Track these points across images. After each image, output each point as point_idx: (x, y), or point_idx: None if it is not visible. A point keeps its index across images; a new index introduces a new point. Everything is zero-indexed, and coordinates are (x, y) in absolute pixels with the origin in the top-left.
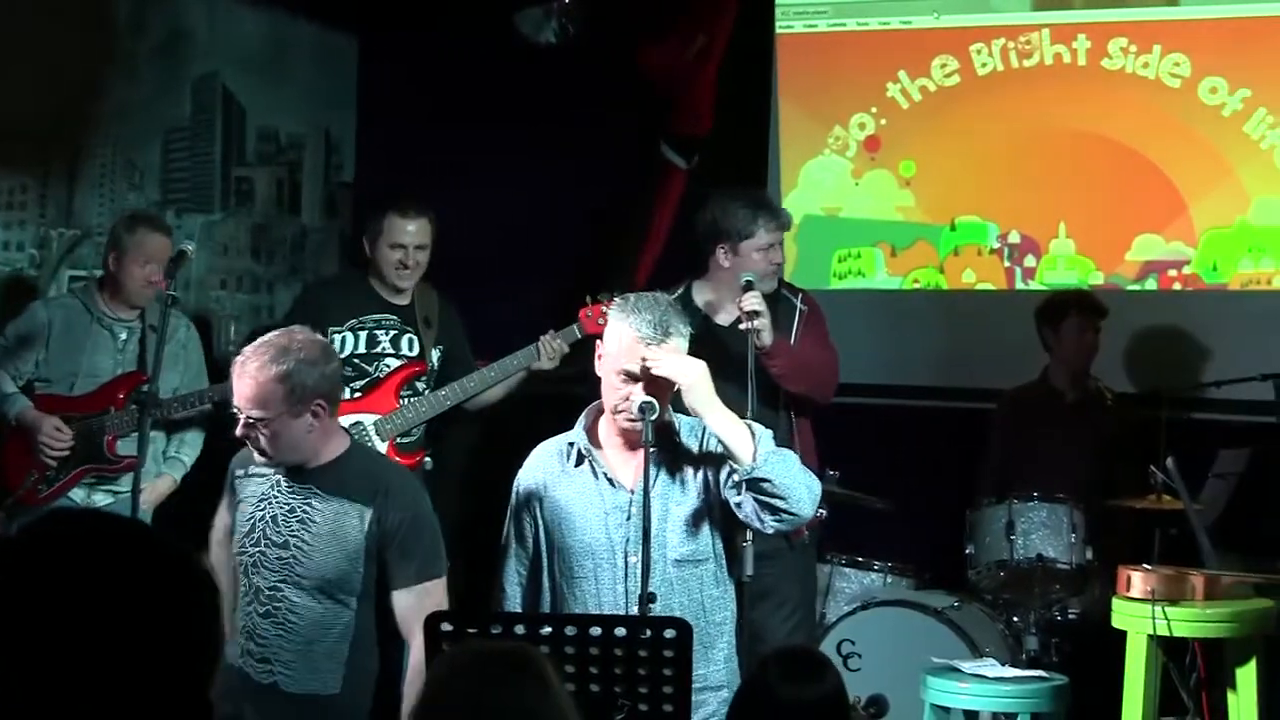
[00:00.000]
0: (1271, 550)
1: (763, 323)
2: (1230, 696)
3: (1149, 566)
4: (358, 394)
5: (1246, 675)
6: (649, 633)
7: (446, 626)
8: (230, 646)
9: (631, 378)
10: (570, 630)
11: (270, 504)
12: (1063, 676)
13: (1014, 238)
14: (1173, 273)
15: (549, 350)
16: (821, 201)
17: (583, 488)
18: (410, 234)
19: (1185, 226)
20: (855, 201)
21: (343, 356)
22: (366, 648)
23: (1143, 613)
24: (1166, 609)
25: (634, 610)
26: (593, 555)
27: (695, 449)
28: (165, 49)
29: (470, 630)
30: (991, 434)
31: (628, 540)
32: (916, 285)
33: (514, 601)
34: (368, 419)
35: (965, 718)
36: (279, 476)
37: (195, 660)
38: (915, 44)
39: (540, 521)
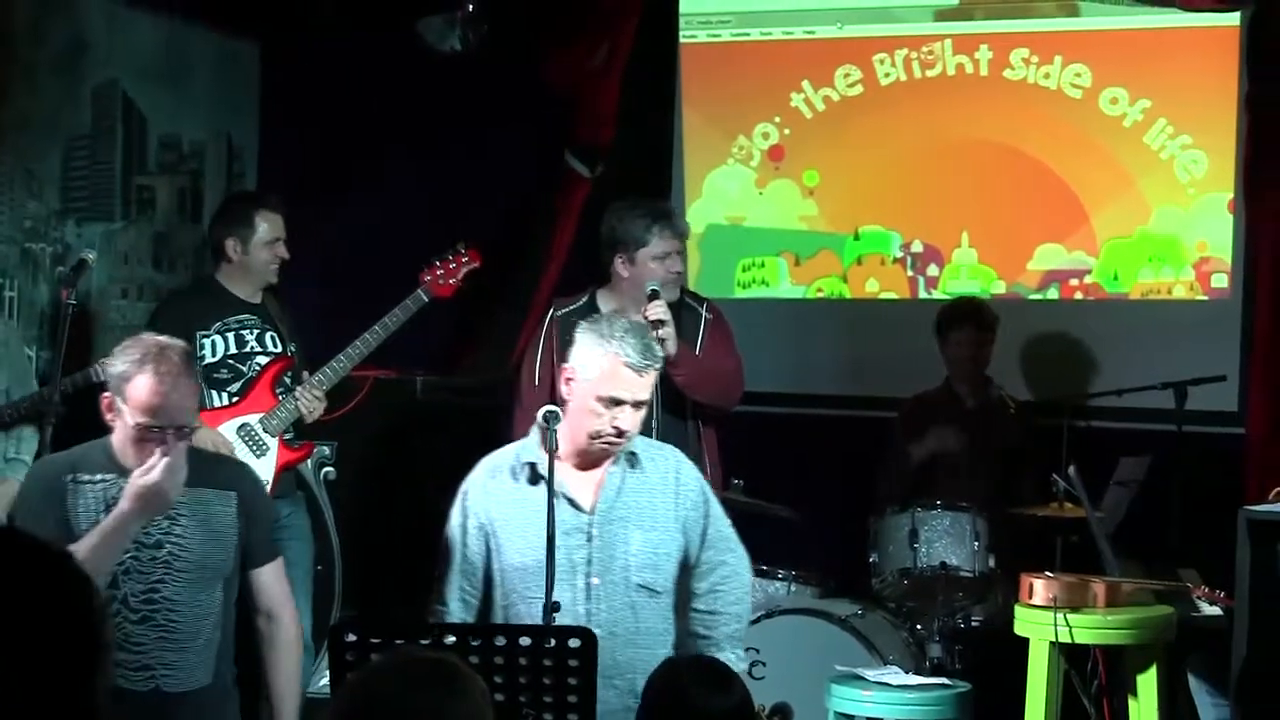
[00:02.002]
0: (1172, 557)
1: (667, 332)
2: (1131, 703)
3: (1051, 574)
4: (235, 398)
5: (1147, 682)
6: (553, 643)
7: (351, 637)
8: None
9: (616, 404)
10: (475, 640)
11: None
12: (966, 684)
13: (917, 247)
14: (1074, 282)
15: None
16: (725, 211)
17: (538, 507)
18: (281, 228)
19: (1087, 236)
20: (759, 211)
21: (216, 359)
22: (229, 632)
23: (1045, 620)
24: (1068, 616)
25: (596, 632)
26: (554, 576)
27: (673, 490)
28: (65, 58)
29: (374, 640)
30: (893, 441)
31: (589, 561)
32: (820, 294)
33: (455, 618)
34: (252, 419)
35: None
36: (122, 480)
37: (81, 662)
38: (819, 54)
39: (491, 539)
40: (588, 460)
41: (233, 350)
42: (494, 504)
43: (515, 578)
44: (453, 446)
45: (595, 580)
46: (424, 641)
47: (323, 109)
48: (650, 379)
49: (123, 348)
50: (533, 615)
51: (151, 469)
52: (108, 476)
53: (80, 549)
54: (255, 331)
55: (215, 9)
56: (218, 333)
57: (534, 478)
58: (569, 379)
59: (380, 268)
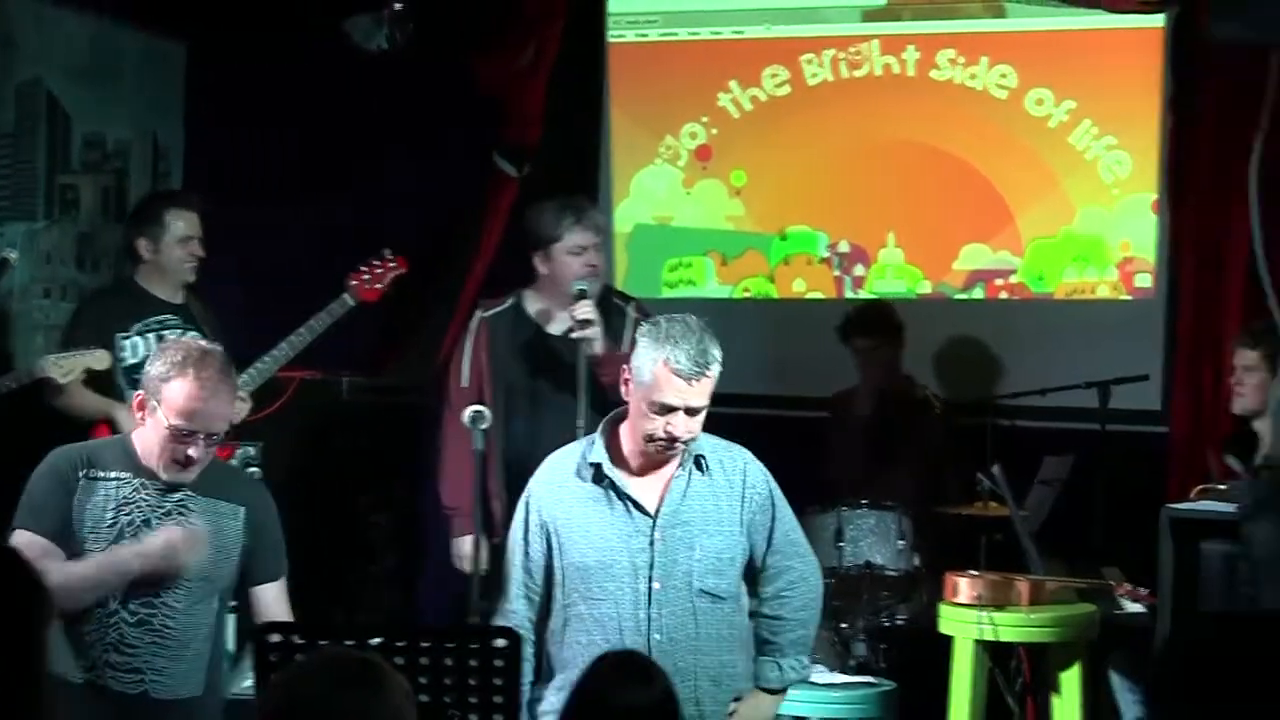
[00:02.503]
0: (1095, 555)
1: (594, 332)
2: (1054, 700)
3: (975, 572)
4: None
5: (1070, 679)
6: (478, 644)
7: (276, 637)
8: (60, 662)
9: (668, 410)
10: (399, 640)
11: (138, 508)
12: (890, 682)
13: (843, 247)
14: (999, 281)
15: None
16: (653, 210)
17: (603, 508)
18: (196, 226)
19: (1012, 236)
20: (686, 211)
21: (137, 360)
22: (222, 646)
23: (969, 618)
24: (992, 614)
25: (656, 638)
26: (615, 578)
27: (740, 492)
28: None
29: (299, 641)
30: (827, 440)
31: (651, 565)
32: (747, 294)
33: (522, 617)
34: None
35: None
36: (140, 480)
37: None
38: (746, 54)
39: (553, 538)
40: (649, 463)
41: (154, 351)
42: (557, 503)
43: (577, 577)
44: (378, 447)
45: (657, 585)
46: (348, 642)
47: (250, 109)
48: (704, 385)
49: (163, 349)
50: (594, 616)
51: (174, 543)
52: (124, 475)
53: (70, 573)
54: (177, 332)
55: (142, 8)
56: (138, 334)
57: (598, 477)
58: (626, 380)
59: (307, 269)
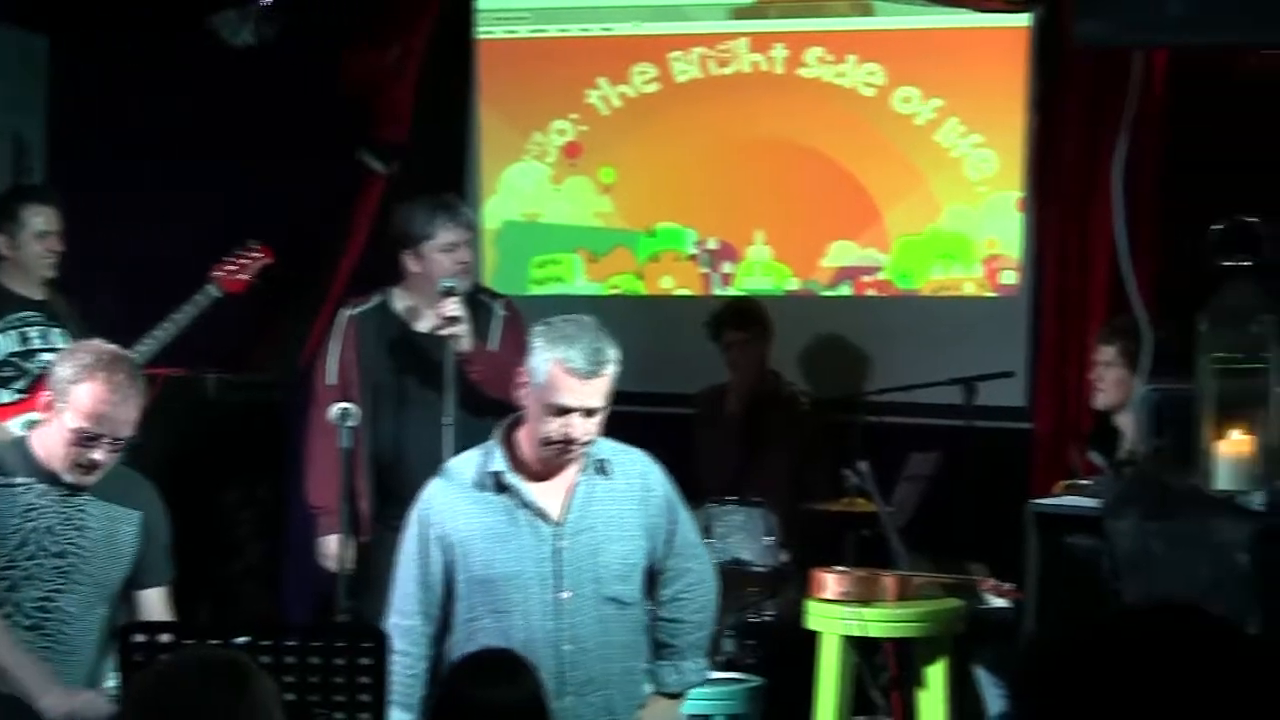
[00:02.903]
0: (960, 551)
1: (461, 329)
2: (920, 695)
3: (842, 568)
4: (23, 394)
5: (936, 674)
6: (345, 643)
7: (140, 637)
8: None
9: (564, 411)
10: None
11: (41, 514)
12: (758, 678)
13: (712, 244)
14: (866, 279)
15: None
16: (521, 207)
17: (505, 519)
18: (55, 221)
19: (879, 233)
20: (555, 207)
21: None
22: (105, 652)
23: (836, 614)
24: (859, 610)
25: (566, 648)
26: (522, 589)
27: (641, 496)
28: None
29: (163, 640)
30: (695, 437)
31: (559, 574)
32: (616, 291)
33: (419, 633)
34: (39, 416)
35: None
36: (43, 485)
37: None
38: (615, 51)
39: (456, 552)
40: (549, 467)
41: (16, 348)
42: (455, 516)
43: (480, 590)
44: (244, 444)
45: (566, 594)
46: (214, 641)
47: (114, 105)
48: (601, 384)
49: (73, 351)
50: (502, 628)
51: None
52: (27, 480)
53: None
54: (39, 329)
55: (3, 2)
56: (0, 331)
57: (500, 486)
58: (523, 383)
59: (173, 265)
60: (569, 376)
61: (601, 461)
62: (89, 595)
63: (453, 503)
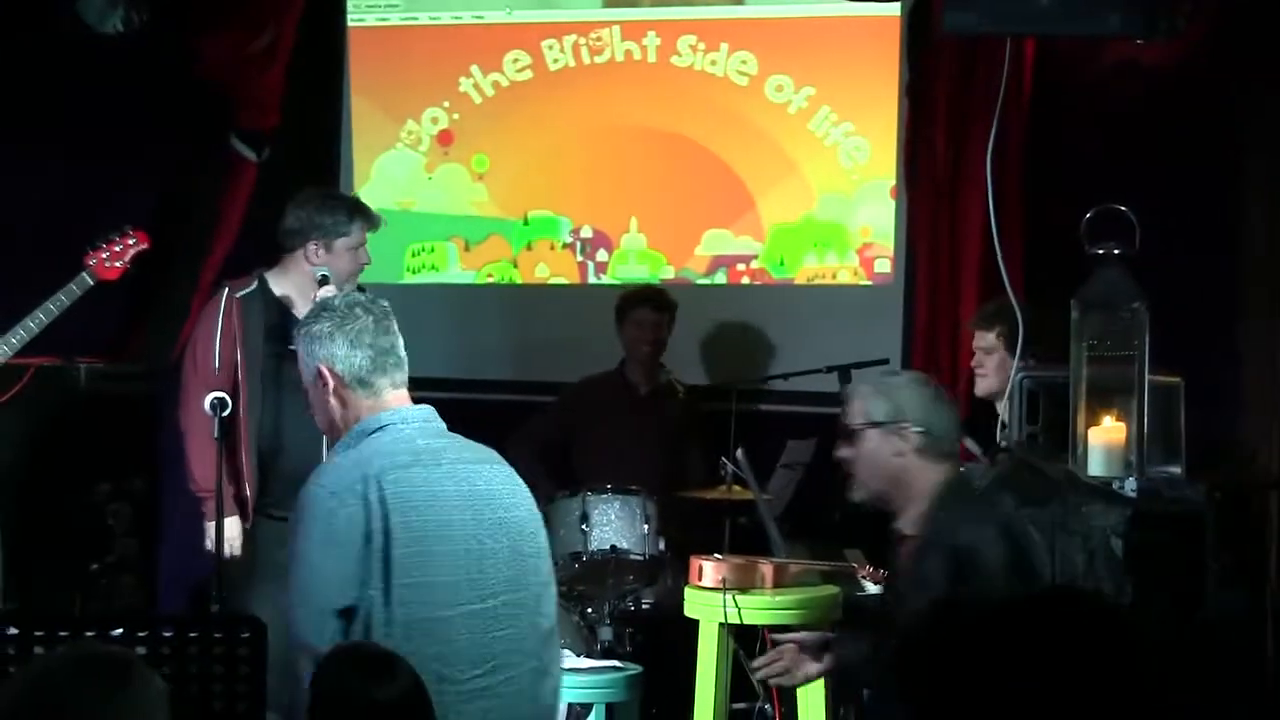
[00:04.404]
0: (837, 538)
1: None
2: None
3: (720, 556)
4: None
5: None
6: (222, 633)
7: (12, 630)
8: None
9: None
10: (141, 631)
11: None
12: (637, 666)
13: (586, 232)
14: (741, 267)
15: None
16: (395, 195)
17: None
18: None
19: (753, 222)
20: (428, 196)
21: None
22: None
23: (714, 601)
24: (737, 597)
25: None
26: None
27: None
28: None
29: (37, 634)
30: (539, 419)
31: None
32: (490, 279)
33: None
34: None
35: None
36: None
37: None
38: (488, 39)
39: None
40: None
41: None
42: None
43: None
44: (116, 435)
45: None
46: (89, 633)
47: None
48: None
49: None
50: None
51: None
52: None
53: None
54: None
55: None
56: None
57: None
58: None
59: (43, 252)
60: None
61: None
62: None
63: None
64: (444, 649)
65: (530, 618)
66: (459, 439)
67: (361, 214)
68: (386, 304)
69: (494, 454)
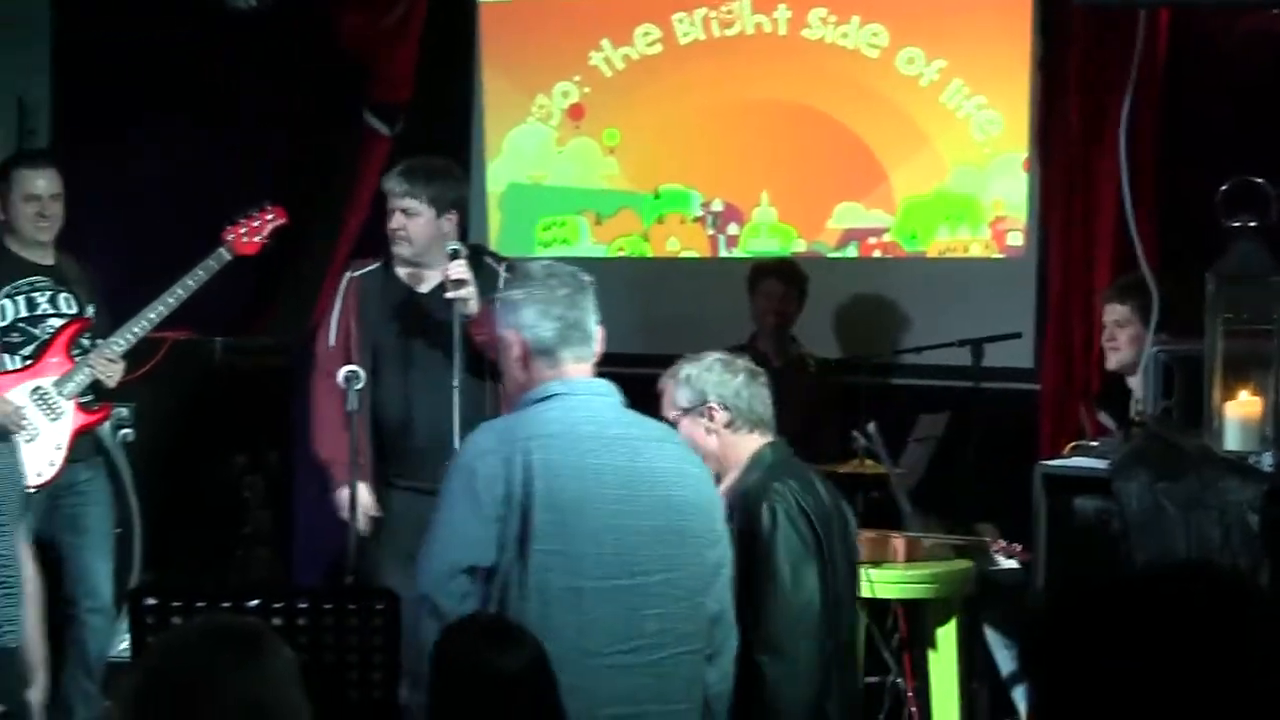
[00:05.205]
0: (969, 512)
1: (469, 291)
2: (931, 655)
3: None
4: (29, 360)
5: (947, 635)
6: (356, 605)
7: (151, 600)
8: None
9: None
10: (277, 603)
11: None
12: None
13: (717, 206)
14: (873, 240)
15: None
16: (526, 170)
17: None
18: (42, 185)
19: (885, 195)
20: (559, 169)
21: (7, 323)
22: None
23: None
24: (869, 571)
25: None
26: None
27: None
28: None
29: (175, 604)
30: None
31: None
32: (621, 253)
33: None
34: (46, 382)
35: None
36: None
37: None
38: (618, 13)
39: None
40: None
41: (24, 313)
42: None
43: None
44: (251, 408)
45: None
46: (225, 605)
47: (118, 67)
48: None
49: None
50: None
51: None
52: None
53: None
54: (47, 293)
55: None
56: (7, 296)
57: None
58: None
59: (182, 225)
60: None
61: None
62: (8, 532)
63: None
64: (582, 620)
65: (692, 599)
66: (634, 414)
67: (389, 179)
68: (589, 279)
69: (671, 432)
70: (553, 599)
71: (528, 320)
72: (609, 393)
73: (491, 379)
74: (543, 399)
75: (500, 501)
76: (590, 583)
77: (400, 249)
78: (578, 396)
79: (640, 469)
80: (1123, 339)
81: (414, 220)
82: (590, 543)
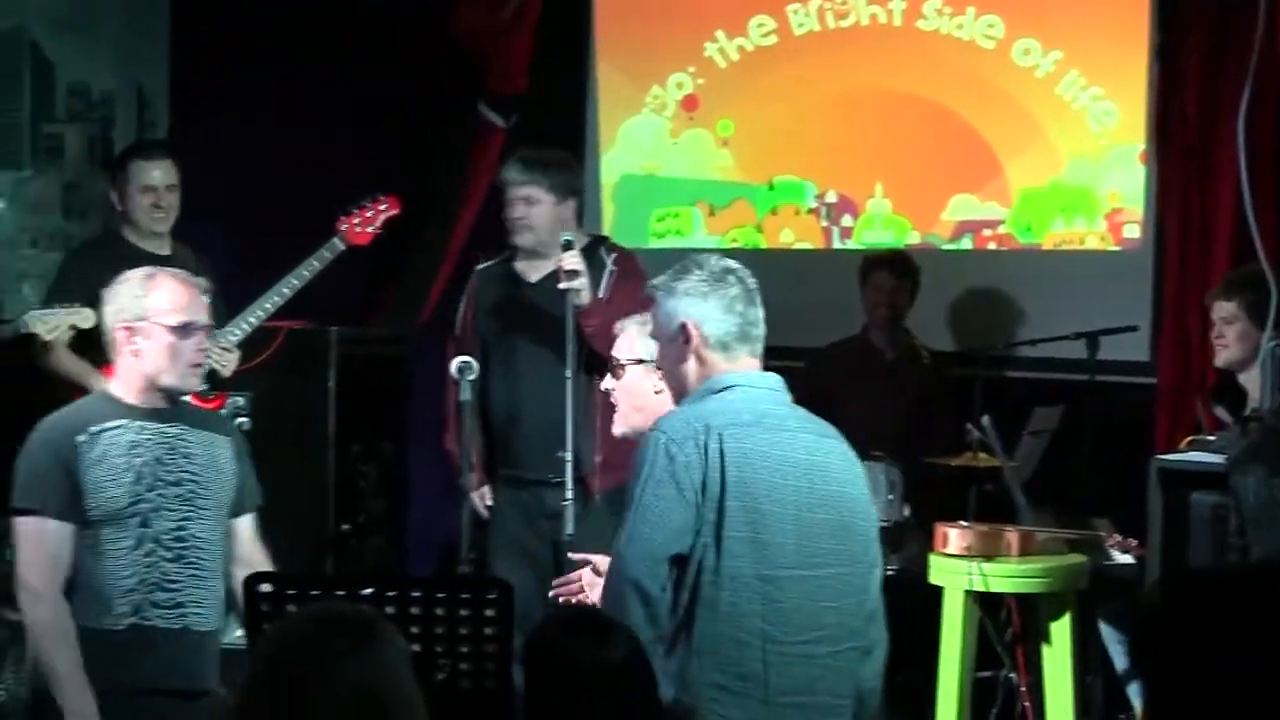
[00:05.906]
0: (1084, 506)
1: (581, 282)
2: (1044, 650)
3: (965, 523)
4: None
5: (1060, 629)
6: (469, 595)
7: (266, 588)
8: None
9: None
10: (391, 592)
11: (145, 448)
12: None
13: (831, 197)
14: (988, 232)
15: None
16: (640, 161)
17: None
18: (158, 176)
19: (1000, 187)
20: (673, 161)
21: None
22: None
23: (959, 569)
24: (982, 565)
25: None
26: None
27: None
28: None
29: (290, 592)
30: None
31: None
32: (735, 244)
33: None
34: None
35: None
36: (136, 422)
37: None
38: (733, 4)
39: None
40: None
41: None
42: None
43: None
44: (366, 398)
45: None
46: (340, 593)
47: (234, 57)
48: None
49: (117, 283)
50: None
51: None
52: (120, 422)
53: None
54: None
55: None
56: None
57: None
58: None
59: (297, 215)
60: None
61: None
62: (213, 518)
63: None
64: (769, 608)
65: (857, 595)
66: (801, 410)
67: (506, 169)
68: (755, 281)
69: (833, 429)
70: (742, 584)
71: (712, 313)
72: (781, 388)
73: (586, 372)
74: (724, 388)
75: (698, 490)
76: (776, 571)
77: (522, 238)
78: (757, 389)
79: (816, 463)
80: (1231, 336)
81: (536, 208)
82: (777, 532)
